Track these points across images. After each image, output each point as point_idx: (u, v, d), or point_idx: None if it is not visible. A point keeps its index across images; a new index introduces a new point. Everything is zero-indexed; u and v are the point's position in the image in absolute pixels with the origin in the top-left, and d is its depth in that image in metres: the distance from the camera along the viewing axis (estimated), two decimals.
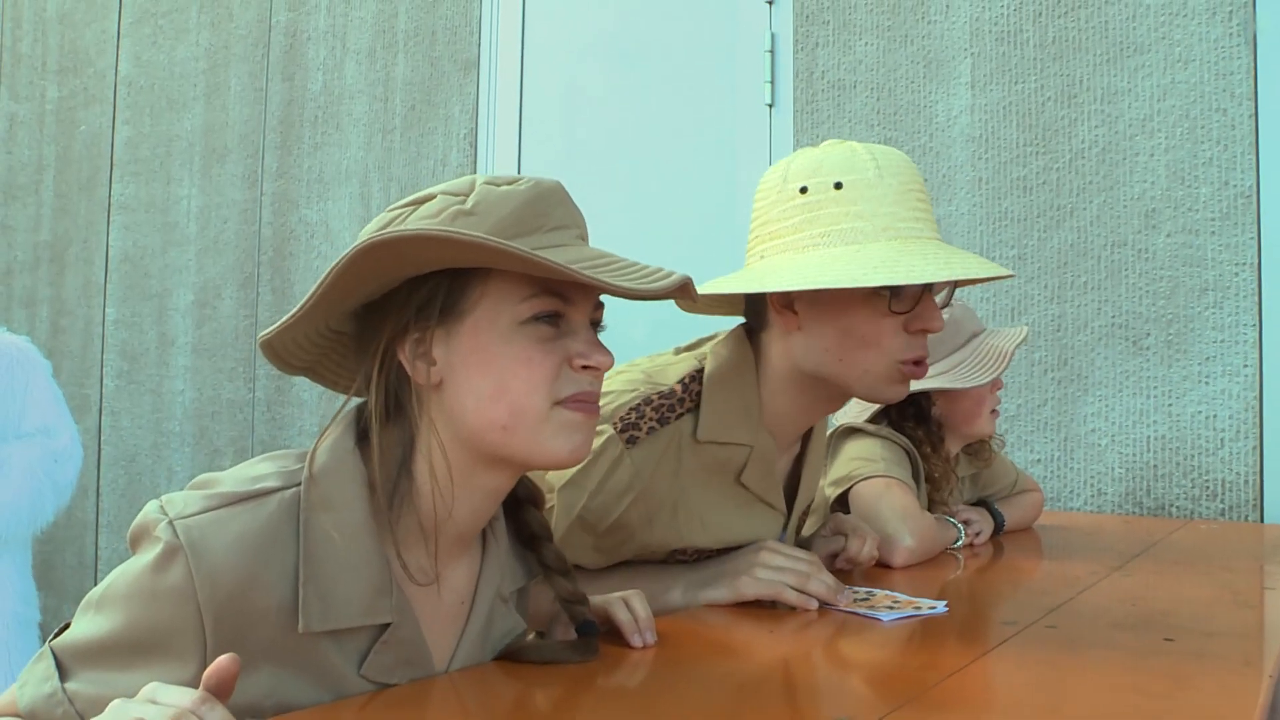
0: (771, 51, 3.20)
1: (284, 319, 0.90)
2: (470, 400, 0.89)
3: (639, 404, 1.29)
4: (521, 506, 1.04)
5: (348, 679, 0.88)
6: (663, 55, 3.42)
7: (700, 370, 1.34)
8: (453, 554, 0.95)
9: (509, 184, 0.91)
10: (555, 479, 1.27)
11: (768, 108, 3.19)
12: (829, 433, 1.95)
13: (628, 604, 1.08)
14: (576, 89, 3.62)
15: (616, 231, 3.34)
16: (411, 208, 0.91)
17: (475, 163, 3.78)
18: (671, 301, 1.06)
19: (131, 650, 0.81)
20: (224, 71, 4.52)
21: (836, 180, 1.26)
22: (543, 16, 3.73)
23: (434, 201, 0.90)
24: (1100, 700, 0.89)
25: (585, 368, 0.91)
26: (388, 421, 0.91)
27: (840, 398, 1.37)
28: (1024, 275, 2.75)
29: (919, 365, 1.30)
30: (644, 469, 1.27)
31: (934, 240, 1.27)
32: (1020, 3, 2.81)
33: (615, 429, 1.26)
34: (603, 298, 0.94)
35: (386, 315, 0.91)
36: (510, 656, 0.99)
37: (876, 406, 1.92)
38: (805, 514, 1.56)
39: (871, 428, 1.88)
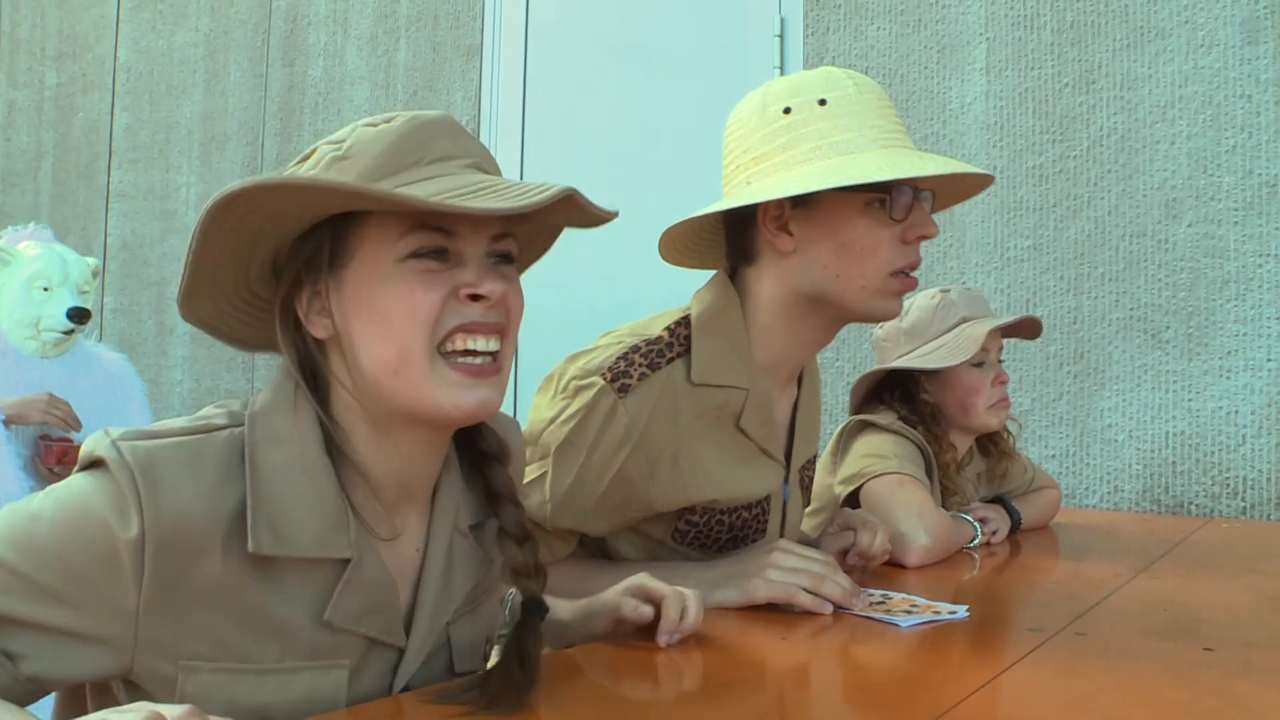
0: (781, 36, 3.13)
1: (180, 290, 0.87)
2: (362, 347, 0.85)
3: (626, 352, 1.26)
4: (486, 461, 0.98)
5: (300, 628, 0.82)
6: (671, 40, 3.35)
7: (687, 316, 1.32)
8: (402, 510, 0.90)
9: (385, 122, 0.87)
10: (551, 440, 1.24)
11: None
12: (840, 428, 1.89)
13: (685, 604, 1.02)
14: (581, 74, 3.55)
15: (622, 216, 3.27)
16: (300, 164, 0.88)
17: None
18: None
19: (71, 573, 0.76)
20: (223, 57, 4.45)
21: (820, 97, 1.26)
22: (547, 2, 3.66)
23: (316, 153, 0.88)
24: (1142, 718, 0.83)
25: (474, 297, 0.84)
26: (309, 379, 0.87)
27: (833, 322, 1.35)
28: (1040, 266, 2.68)
29: (911, 278, 1.30)
30: (640, 416, 1.23)
31: (918, 150, 1.29)
32: None
33: (606, 379, 1.24)
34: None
35: (283, 273, 0.88)
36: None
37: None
38: (809, 470, 1.50)
39: (883, 421, 1.82)
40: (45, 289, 2.59)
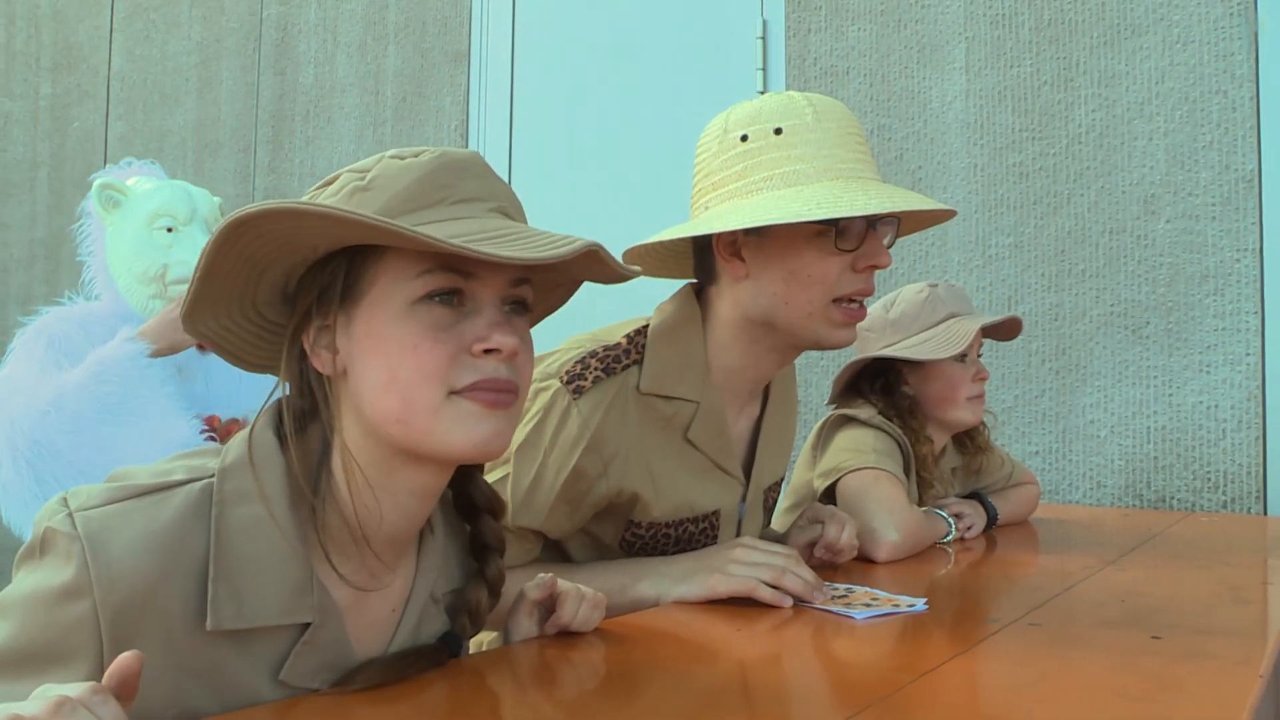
0: (764, 38, 3.15)
1: (183, 303, 0.85)
2: (366, 390, 0.83)
3: (584, 357, 1.29)
4: (479, 515, 0.98)
5: (259, 685, 0.82)
6: (655, 43, 3.37)
7: (646, 326, 1.35)
8: (386, 558, 0.89)
9: (414, 156, 0.85)
10: (512, 441, 1.25)
11: (760, 95, 3.14)
12: (820, 422, 1.90)
13: (579, 602, 1.03)
14: (568, 79, 3.57)
15: (608, 221, 3.29)
16: (321, 189, 0.86)
17: None
18: (634, 282, 1.00)
19: (26, 658, 0.75)
20: (215, 65, 4.48)
21: (776, 126, 1.27)
22: (534, 6, 3.68)
23: (339, 180, 0.85)
24: (1078, 702, 0.84)
25: (488, 351, 0.82)
26: (306, 417, 0.86)
27: (788, 348, 1.36)
28: (1021, 263, 2.70)
29: (860, 308, 1.31)
30: (591, 417, 1.26)
31: (875, 179, 1.28)
32: None
33: (561, 382, 1.27)
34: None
35: (296, 302, 0.86)
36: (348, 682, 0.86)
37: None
38: (774, 492, 1.52)
39: (864, 416, 1.83)
40: (169, 229, 2.16)
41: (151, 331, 2.04)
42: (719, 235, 1.30)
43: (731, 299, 1.33)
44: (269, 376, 0.92)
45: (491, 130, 3.72)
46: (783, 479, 1.56)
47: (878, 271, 1.31)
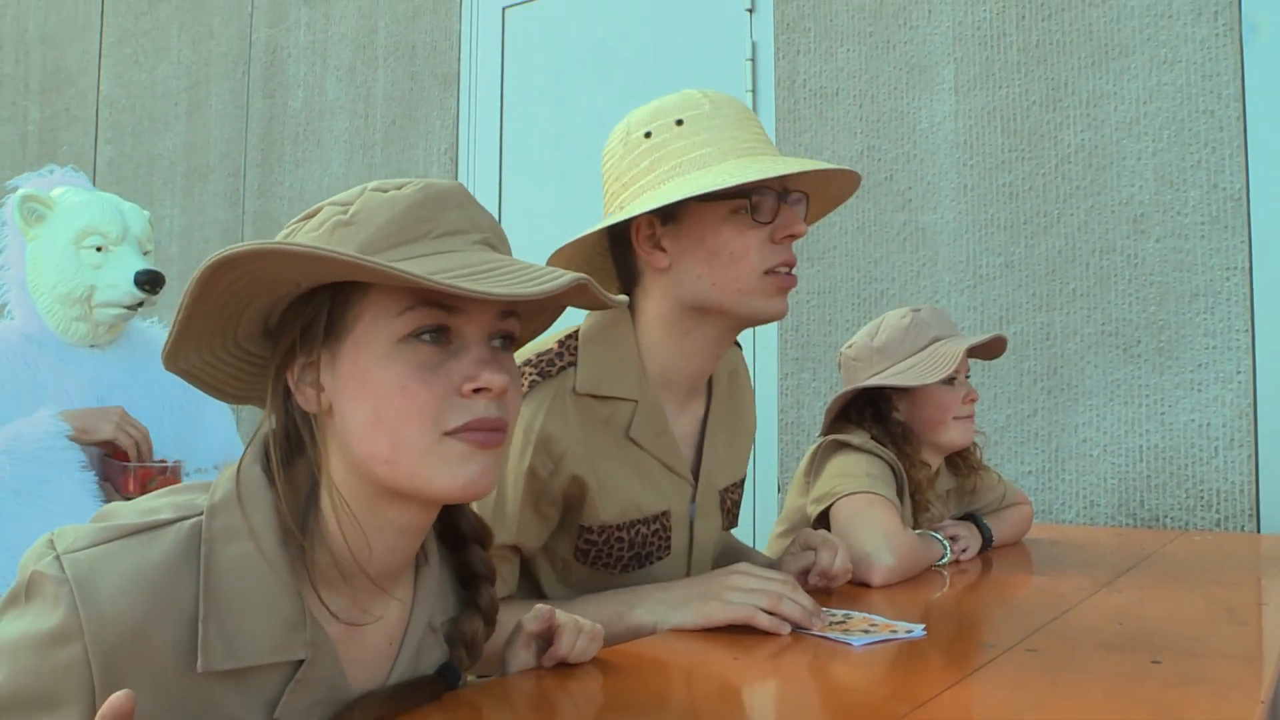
0: (753, 60, 3.16)
1: (167, 343, 0.84)
2: (354, 429, 0.82)
3: (520, 366, 1.30)
4: (466, 545, 0.97)
5: None
6: (644, 66, 3.38)
7: (577, 330, 1.37)
8: (376, 593, 0.88)
9: (396, 189, 0.84)
10: None
11: None
12: (813, 447, 1.90)
13: (576, 635, 1.03)
14: (557, 102, 3.58)
15: None
16: (303, 222, 0.85)
17: (456, 177, 3.73)
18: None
19: (15, 705, 0.74)
20: (205, 89, 4.48)
21: (677, 118, 1.32)
22: (523, 30, 3.69)
23: (320, 214, 0.84)
24: None
25: (477, 390, 0.81)
26: (293, 453, 0.85)
27: (723, 333, 1.38)
28: (1011, 283, 2.70)
29: (789, 275, 1.33)
30: (534, 421, 1.27)
31: (776, 154, 1.33)
32: (1003, 6, 2.76)
33: None
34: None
35: (280, 338, 0.85)
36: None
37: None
38: (732, 494, 1.53)
39: (856, 441, 1.83)
40: (98, 248, 2.01)
41: (79, 418, 1.93)
42: (638, 229, 1.33)
43: (658, 293, 1.36)
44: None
45: (481, 153, 3.72)
46: (742, 480, 1.56)
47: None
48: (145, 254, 2.08)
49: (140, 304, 2.02)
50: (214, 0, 4.51)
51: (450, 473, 0.81)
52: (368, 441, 0.81)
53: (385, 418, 0.80)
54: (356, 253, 0.77)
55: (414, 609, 0.92)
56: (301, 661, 0.82)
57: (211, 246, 4.34)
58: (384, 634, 0.89)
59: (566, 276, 0.81)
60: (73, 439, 1.91)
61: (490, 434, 0.82)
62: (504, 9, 3.73)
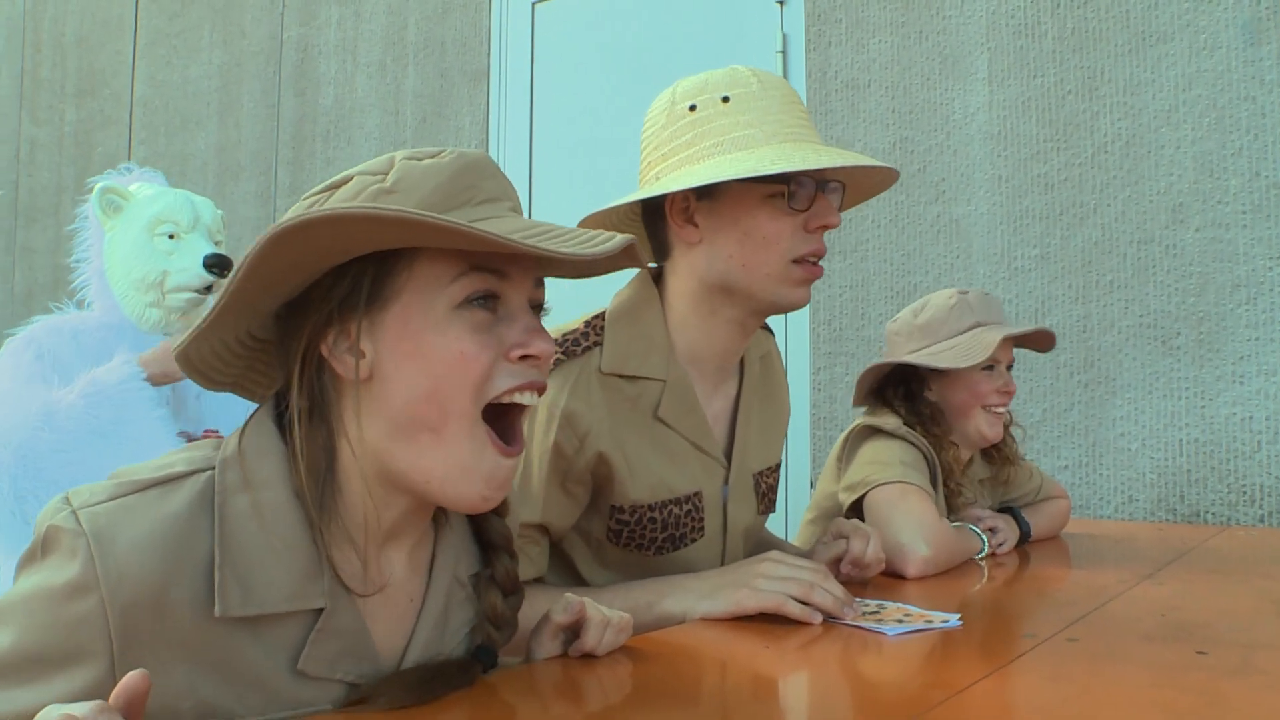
0: (784, 52, 3.13)
1: (198, 323, 0.83)
2: (401, 394, 0.82)
3: None
4: (483, 513, 0.96)
5: (278, 678, 0.80)
6: (674, 61, 3.36)
7: (604, 311, 1.36)
8: (390, 554, 0.88)
9: (431, 158, 0.84)
10: None
11: None
12: (845, 432, 1.87)
13: (603, 629, 1.00)
14: (587, 97, 3.57)
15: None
16: (328, 193, 0.84)
17: None
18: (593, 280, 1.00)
19: (33, 661, 0.73)
20: (236, 89, 4.50)
21: (724, 95, 1.30)
22: (552, 26, 3.68)
23: (352, 183, 0.83)
24: (1122, 718, 0.81)
25: (524, 357, 0.83)
26: (309, 424, 0.84)
27: (748, 315, 1.37)
28: (1047, 275, 2.66)
29: (816, 265, 1.33)
30: (558, 398, 1.27)
31: (820, 143, 1.32)
32: None
33: None
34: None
35: (309, 310, 0.84)
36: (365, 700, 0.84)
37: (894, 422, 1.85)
38: (767, 478, 1.50)
39: (889, 426, 1.80)
40: (171, 236, 2.10)
41: (150, 359, 2.02)
42: (672, 202, 1.32)
43: (687, 268, 1.35)
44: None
45: (512, 149, 3.72)
46: (778, 465, 1.54)
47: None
48: (216, 243, 2.16)
49: (209, 288, 2.09)
50: None
51: (479, 467, 0.83)
52: (416, 407, 0.82)
53: (440, 387, 0.81)
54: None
55: (436, 562, 0.91)
56: (321, 611, 0.81)
57: (244, 245, 4.36)
58: (402, 591, 0.89)
59: (619, 237, 0.82)
60: (148, 380, 1.99)
61: (516, 444, 0.86)
62: (533, 5, 3.72)
